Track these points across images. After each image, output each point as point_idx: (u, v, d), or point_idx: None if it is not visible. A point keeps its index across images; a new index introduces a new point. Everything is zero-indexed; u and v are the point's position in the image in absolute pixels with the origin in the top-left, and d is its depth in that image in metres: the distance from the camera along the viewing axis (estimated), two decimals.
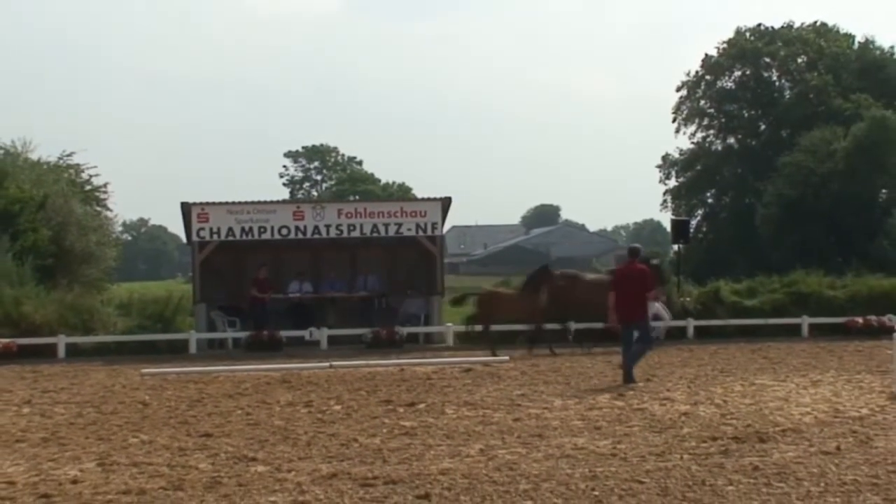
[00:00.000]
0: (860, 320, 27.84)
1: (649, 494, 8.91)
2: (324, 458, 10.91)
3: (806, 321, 27.96)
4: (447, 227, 34.21)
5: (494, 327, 25.00)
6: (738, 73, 72.95)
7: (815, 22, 73.16)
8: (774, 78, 72.98)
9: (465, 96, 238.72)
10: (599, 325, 23.17)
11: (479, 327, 25.29)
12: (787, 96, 70.75)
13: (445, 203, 28.64)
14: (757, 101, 71.81)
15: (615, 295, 17.99)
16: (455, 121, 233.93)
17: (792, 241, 52.63)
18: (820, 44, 70.48)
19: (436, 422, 13.42)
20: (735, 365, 20.39)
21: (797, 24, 73.03)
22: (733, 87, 73.19)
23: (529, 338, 24.52)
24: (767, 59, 71.80)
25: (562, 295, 24.87)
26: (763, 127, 72.07)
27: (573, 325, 26.26)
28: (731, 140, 73.51)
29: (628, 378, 17.39)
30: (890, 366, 16.09)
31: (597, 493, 9.01)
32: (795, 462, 10.20)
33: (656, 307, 24.54)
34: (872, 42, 70.98)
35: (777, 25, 73.06)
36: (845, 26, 75.74)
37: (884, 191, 55.99)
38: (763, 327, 27.14)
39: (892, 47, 71.07)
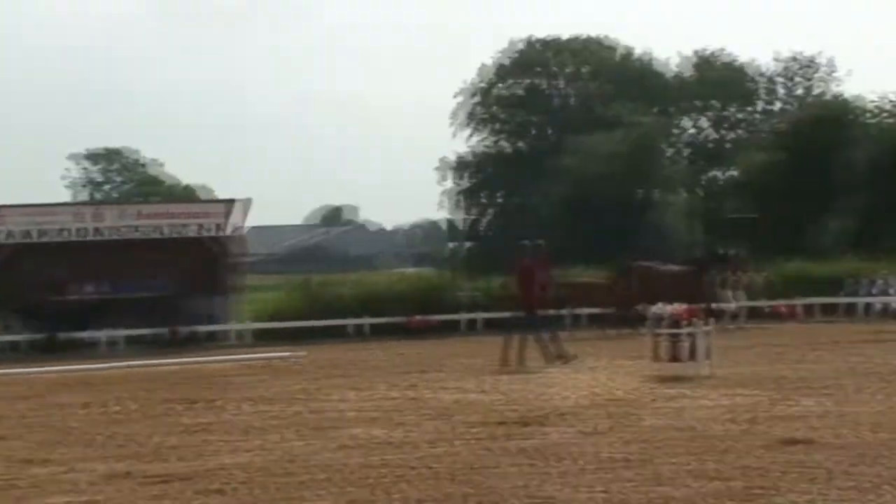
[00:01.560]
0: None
1: (437, 480, 8.97)
2: (118, 457, 10.58)
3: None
4: (247, 227, 33.85)
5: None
6: (513, 81, 74.49)
7: (583, 34, 75.49)
8: (545, 86, 74.75)
9: (265, 101, 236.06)
10: None
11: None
12: (558, 103, 72.72)
13: (241, 204, 28.37)
14: (532, 108, 73.36)
15: (520, 286, 18.74)
16: (257, 124, 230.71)
17: (572, 239, 54.00)
18: (587, 54, 72.81)
19: (233, 418, 13.24)
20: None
21: (569, 36, 75.10)
22: (508, 94, 74.68)
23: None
24: (539, 69, 73.62)
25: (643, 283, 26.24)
26: (535, 132, 73.75)
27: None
28: (506, 144, 75.02)
29: (560, 356, 18.07)
30: (653, 351, 16.58)
31: (387, 480, 9.02)
32: (571, 442, 10.46)
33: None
34: (643, 53, 73.82)
35: (551, 36, 74.90)
36: (611, 38, 78.06)
37: (655, 190, 58.10)
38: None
39: (653, 57, 74.06)
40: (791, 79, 76.05)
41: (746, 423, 11.17)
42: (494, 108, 75.07)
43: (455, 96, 76.37)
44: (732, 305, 27.25)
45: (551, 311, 20.71)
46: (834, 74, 74.75)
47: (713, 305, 25.01)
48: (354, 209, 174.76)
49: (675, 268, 28.28)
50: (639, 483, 8.51)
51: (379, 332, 27.23)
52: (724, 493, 8.03)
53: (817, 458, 9.16)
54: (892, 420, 10.90)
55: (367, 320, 27.73)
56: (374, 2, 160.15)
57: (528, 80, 73.74)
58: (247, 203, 28.48)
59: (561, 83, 73.40)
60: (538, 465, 9.39)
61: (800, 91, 75.41)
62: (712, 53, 74.73)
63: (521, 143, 74.53)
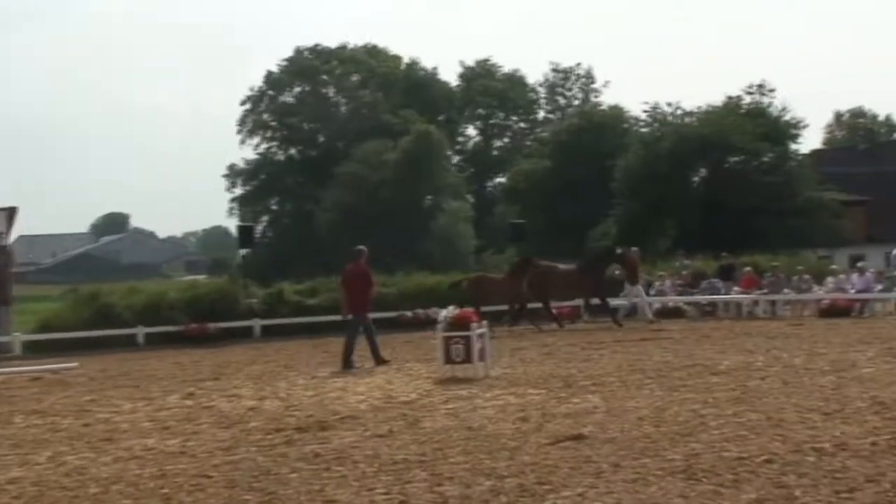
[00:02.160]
0: (409, 314, 29.24)
1: (217, 488, 8.79)
2: None
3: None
4: (14, 236, 32.38)
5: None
6: (298, 89, 74.29)
7: (367, 44, 75.96)
8: (331, 94, 74.89)
9: (33, 106, 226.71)
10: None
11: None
12: (343, 111, 72.94)
13: (5, 214, 27.08)
14: (316, 116, 73.42)
15: (345, 291, 19.29)
16: (22, 130, 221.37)
17: (350, 243, 54.12)
18: (371, 63, 73.27)
19: (3, 431, 12.61)
20: (299, 360, 20.71)
21: (351, 45, 75.42)
22: (294, 101, 74.44)
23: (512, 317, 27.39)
24: (325, 77, 73.67)
25: (540, 282, 27.47)
26: (322, 139, 73.78)
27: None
28: (293, 151, 74.72)
29: (347, 364, 18.38)
30: (435, 354, 16.85)
31: (166, 490, 8.78)
32: (353, 446, 10.41)
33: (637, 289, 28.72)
34: (419, 63, 74.83)
35: (333, 46, 75.06)
36: (394, 48, 79.18)
37: (429, 197, 58.87)
38: (324, 324, 27.74)
39: (435, 68, 75.27)
40: (555, 89, 78.74)
41: (532, 422, 11.36)
42: (272, 115, 74.70)
43: (242, 104, 75.64)
44: (637, 300, 28.85)
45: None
46: (593, 86, 77.91)
47: (604, 301, 27.59)
48: (125, 217, 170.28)
49: (568, 266, 29.02)
50: (420, 484, 8.55)
51: (155, 342, 26.54)
52: (501, 490, 8.14)
53: (589, 452, 9.40)
54: (658, 415, 11.32)
55: (141, 329, 27.00)
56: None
57: (308, 88, 73.71)
58: (12, 211, 27.18)
59: (343, 92, 73.65)
60: (331, 470, 9.32)
61: (563, 101, 78.22)
62: (488, 63, 76.56)
63: (300, 150, 74.38)
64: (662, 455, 9.09)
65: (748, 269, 30.62)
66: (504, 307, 27.64)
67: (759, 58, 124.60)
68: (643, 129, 52.37)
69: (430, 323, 22.92)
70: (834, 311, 26.98)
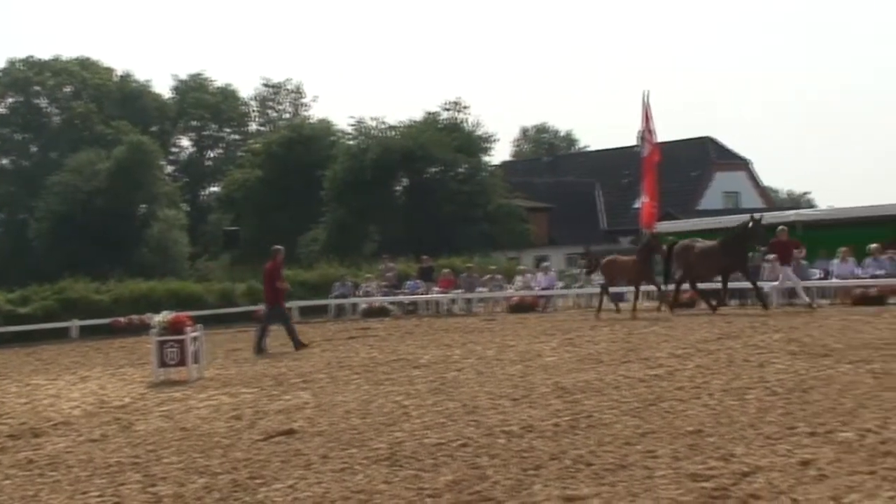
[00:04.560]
0: (124, 320, 28.25)
1: None
2: None
3: (76, 324, 27.77)
4: None
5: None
6: (10, 100, 70.41)
7: (80, 56, 72.81)
8: (44, 105, 71.31)
9: None
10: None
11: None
12: (56, 122, 69.67)
13: None
14: (28, 126, 69.85)
15: (263, 284, 20.47)
16: None
17: (63, 252, 51.67)
18: (84, 75, 70.31)
19: None
20: (11, 368, 19.60)
21: (64, 58, 72.04)
22: (6, 112, 70.47)
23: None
24: (38, 88, 70.09)
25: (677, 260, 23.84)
26: (34, 149, 70.21)
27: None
28: (6, 161, 70.75)
29: (259, 350, 19.22)
30: (149, 358, 16.36)
31: None
32: (67, 451, 9.95)
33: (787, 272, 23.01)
34: (132, 75, 72.38)
35: (46, 58, 71.46)
36: (107, 61, 76.19)
37: (143, 206, 57.07)
38: (37, 332, 26.39)
39: (148, 80, 73.07)
40: (267, 103, 78.20)
41: (244, 420, 11.21)
42: None
43: None
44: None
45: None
46: (303, 100, 77.95)
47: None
48: None
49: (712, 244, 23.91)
50: (134, 485, 8.26)
51: None
52: (214, 486, 7.98)
53: (300, 446, 9.35)
54: (364, 408, 11.41)
55: None
56: None
57: (21, 99, 70.06)
58: None
59: (56, 103, 70.28)
60: (45, 475, 8.88)
61: (274, 114, 77.84)
62: (200, 76, 75.05)
63: (12, 160, 70.56)
64: (368, 444, 9.16)
65: (446, 270, 31.47)
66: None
67: (454, 76, 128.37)
68: (350, 142, 52.79)
69: (144, 328, 22.21)
70: (522, 307, 28.13)
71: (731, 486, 6.72)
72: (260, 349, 19.33)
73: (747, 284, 23.41)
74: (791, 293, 23.41)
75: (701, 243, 23.29)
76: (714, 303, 22.65)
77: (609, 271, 24.65)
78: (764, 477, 6.90)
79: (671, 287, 23.89)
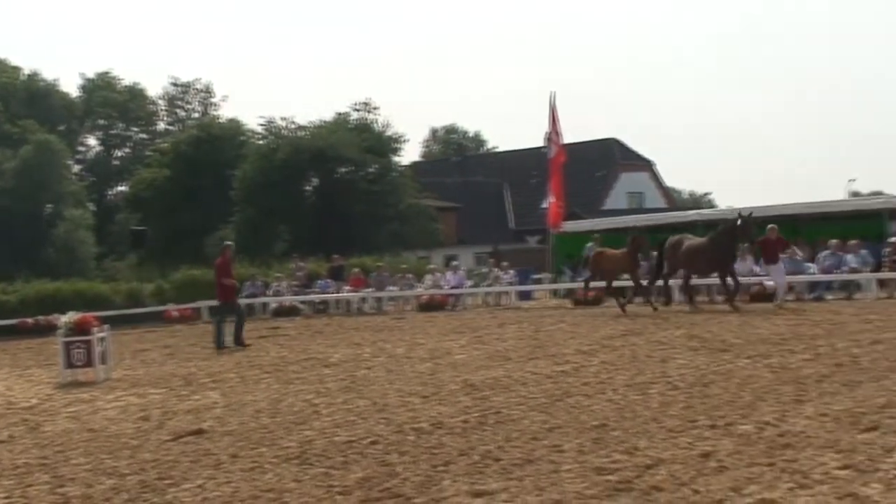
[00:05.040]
0: (30, 321, 27.59)
1: None
2: None
3: None
4: None
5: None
6: None
7: None
8: None
9: None
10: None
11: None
12: None
13: None
14: None
15: (215, 279, 20.15)
16: None
17: None
18: None
19: None
20: None
21: None
22: None
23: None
24: None
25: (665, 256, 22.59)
26: None
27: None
28: None
29: (219, 345, 19.20)
30: (56, 359, 16.02)
31: None
32: None
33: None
34: (39, 74, 70.70)
35: None
36: (15, 59, 74.10)
37: (49, 205, 55.81)
38: None
39: (56, 79, 71.45)
40: (175, 102, 77.11)
41: (153, 420, 11.05)
42: None
43: None
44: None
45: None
46: (212, 100, 77.03)
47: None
48: None
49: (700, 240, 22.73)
50: (42, 486, 8.08)
51: None
52: (122, 487, 7.84)
53: (209, 446, 9.24)
54: (274, 407, 11.32)
55: None
56: None
57: None
58: None
59: None
60: None
61: (182, 114, 76.78)
62: (108, 75, 73.73)
63: None
64: (278, 443, 9.09)
65: (356, 269, 31.36)
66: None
67: (364, 77, 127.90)
68: (259, 142, 52.29)
69: (51, 329, 21.66)
70: (432, 306, 28.17)
71: (635, 479, 6.81)
72: (220, 344, 19.18)
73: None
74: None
75: (690, 240, 22.49)
76: (653, 300, 22.14)
77: (597, 265, 23.87)
78: (666, 469, 7.02)
79: (659, 283, 23.12)
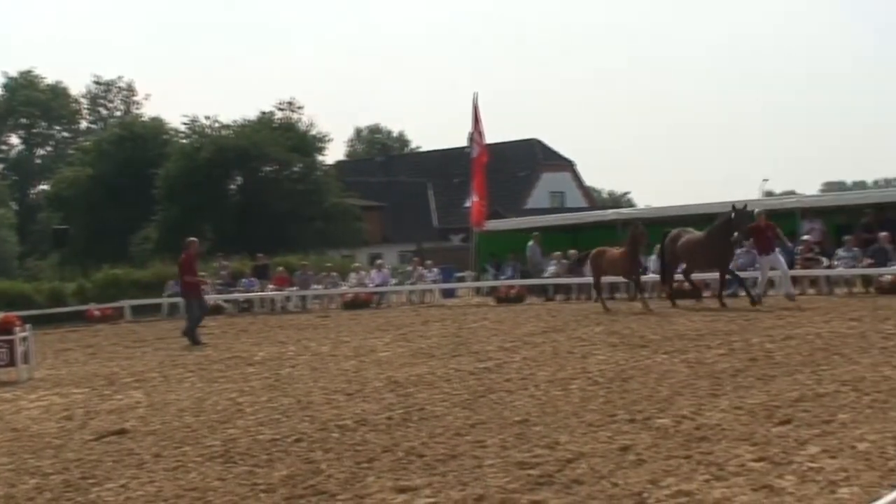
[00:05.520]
0: None
1: None
2: None
3: None
4: None
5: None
6: None
7: None
8: None
9: None
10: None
11: None
12: None
13: None
14: None
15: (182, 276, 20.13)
16: None
17: None
18: None
19: None
20: None
21: None
22: None
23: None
24: None
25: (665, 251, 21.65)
26: None
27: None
28: None
29: (193, 340, 19.01)
30: None
31: None
32: None
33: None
34: None
35: None
36: None
37: None
38: None
39: None
40: (98, 101, 75.87)
41: (76, 420, 10.84)
42: None
43: None
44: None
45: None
46: (135, 98, 75.92)
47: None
48: None
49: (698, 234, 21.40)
50: None
51: None
52: (45, 487, 7.68)
53: (132, 445, 9.09)
54: (198, 406, 11.18)
55: None
56: None
57: None
58: None
59: None
60: None
61: (105, 112, 75.54)
62: (31, 74, 72.26)
63: None
64: (202, 442, 8.98)
65: (280, 268, 31.14)
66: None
67: (289, 77, 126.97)
68: (183, 141, 51.59)
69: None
70: (356, 304, 28.09)
71: (556, 473, 6.85)
72: (194, 340, 19.02)
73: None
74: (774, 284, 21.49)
75: (688, 234, 21.32)
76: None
77: (597, 263, 22.32)
78: (586, 463, 7.07)
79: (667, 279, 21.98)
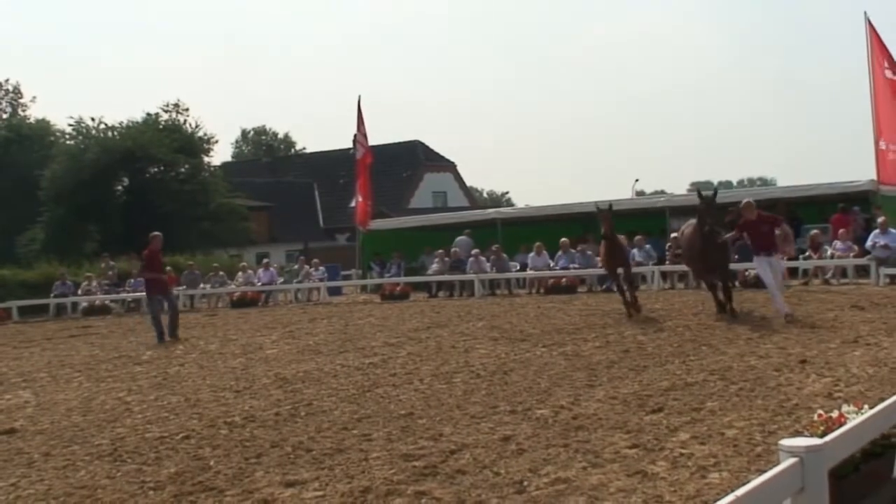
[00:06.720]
0: None
1: None
2: None
3: None
4: None
5: None
6: None
7: None
8: None
9: None
10: None
11: None
12: None
13: None
14: None
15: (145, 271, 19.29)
16: None
17: None
18: None
19: None
20: None
21: None
22: None
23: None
24: None
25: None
26: None
27: None
28: None
29: (173, 335, 18.21)
30: None
31: None
32: None
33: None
34: None
35: None
36: None
37: None
38: None
39: None
40: None
41: None
42: None
43: None
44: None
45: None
46: (21, 100, 73.40)
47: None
48: None
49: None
50: None
51: None
52: None
53: (21, 445, 8.83)
54: (86, 405, 10.90)
55: None
56: None
57: None
58: None
59: None
60: None
61: None
62: None
63: None
64: (91, 441, 8.76)
65: (168, 268, 30.48)
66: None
67: (174, 78, 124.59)
68: (69, 142, 50.08)
69: None
70: (244, 302, 27.72)
71: (440, 464, 6.90)
72: (161, 337, 18.17)
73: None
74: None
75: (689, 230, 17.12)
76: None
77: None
78: (469, 453, 7.14)
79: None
